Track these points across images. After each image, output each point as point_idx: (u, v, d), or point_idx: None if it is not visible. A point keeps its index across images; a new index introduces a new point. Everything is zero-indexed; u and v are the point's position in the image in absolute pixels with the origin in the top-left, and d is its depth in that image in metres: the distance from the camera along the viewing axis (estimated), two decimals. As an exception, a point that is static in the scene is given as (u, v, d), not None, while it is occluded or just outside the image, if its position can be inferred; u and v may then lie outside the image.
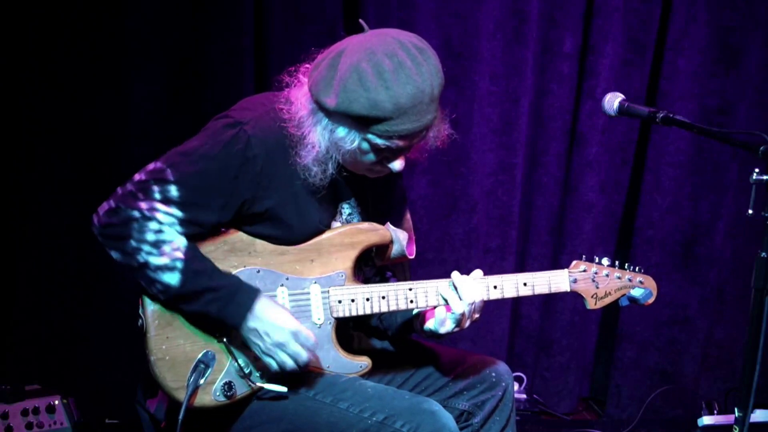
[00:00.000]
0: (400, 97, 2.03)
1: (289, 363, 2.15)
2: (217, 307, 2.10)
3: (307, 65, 2.19)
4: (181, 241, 2.10)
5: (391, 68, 2.03)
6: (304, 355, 2.15)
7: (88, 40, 3.38)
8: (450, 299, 2.24)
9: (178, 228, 2.10)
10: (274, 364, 2.15)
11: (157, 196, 2.08)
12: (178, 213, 2.09)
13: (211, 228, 2.17)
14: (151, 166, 2.12)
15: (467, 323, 2.26)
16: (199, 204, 2.11)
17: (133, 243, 2.07)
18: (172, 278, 2.08)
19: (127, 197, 2.09)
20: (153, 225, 2.07)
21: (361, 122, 2.08)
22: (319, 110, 2.12)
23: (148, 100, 3.44)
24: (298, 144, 2.14)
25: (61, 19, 3.34)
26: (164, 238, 2.08)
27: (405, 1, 3.65)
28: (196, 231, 2.14)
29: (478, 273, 2.29)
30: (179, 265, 2.07)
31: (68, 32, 3.36)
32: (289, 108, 2.16)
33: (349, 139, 2.11)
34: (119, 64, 3.41)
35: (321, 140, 2.12)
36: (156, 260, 2.07)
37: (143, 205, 2.07)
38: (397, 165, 2.18)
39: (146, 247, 2.07)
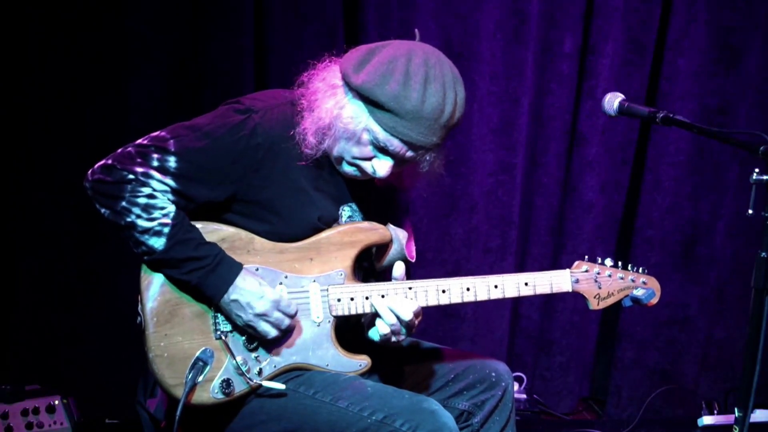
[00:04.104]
0: (423, 104, 2.06)
1: (272, 332, 2.17)
2: (198, 276, 2.12)
3: (339, 57, 2.21)
4: (171, 208, 2.12)
5: (425, 75, 2.07)
6: (286, 322, 2.18)
7: (88, 40, 3.38)
8: (382, 314, 2.21)
9: (170, 197, 2.13)
10: (255, 335, 2.18)
11: (155, 163, 2.11)
12: (172, 183, 2.12)
13: (202, 204, 2.19)
14: (155, 133, 2.16)
15: (404, 336, 2.24)
16: (193, 179, 2.14)
17: (124, 203, 2.09)
18: (157, 242, 2.10)
19: (126, 158, 2.11)
20: (146, 190, 2.10)
21: (374, 108, 2.10)
22: (341, 85, 2.14)
23: (148, 100, 3.45)
24: (305, 110, 2.16)
25: (61, 19, 3.35)
26: (155, 203, 2.10)
27: (405, 2, 3.65)
28: (187, 204, 2.17)
29: (400, 268, 2.27)
30: (166, 230, 2.10)
31: (68, 32, 3.36)
32: (309, 82, 2.19)
33: (355, 120, 2.12)
34: (119, 64, 3.41)
35: (328, 112, 2.14)
36: (144, 223, 2.09)
37: (139, 169, 2.10)
38: (383, 170, 2.17)
39: (136, 210, 2.09)
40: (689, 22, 3.81)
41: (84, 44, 3.38)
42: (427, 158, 2.20)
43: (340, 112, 2.13)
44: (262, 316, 2.15)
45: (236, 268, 2.16)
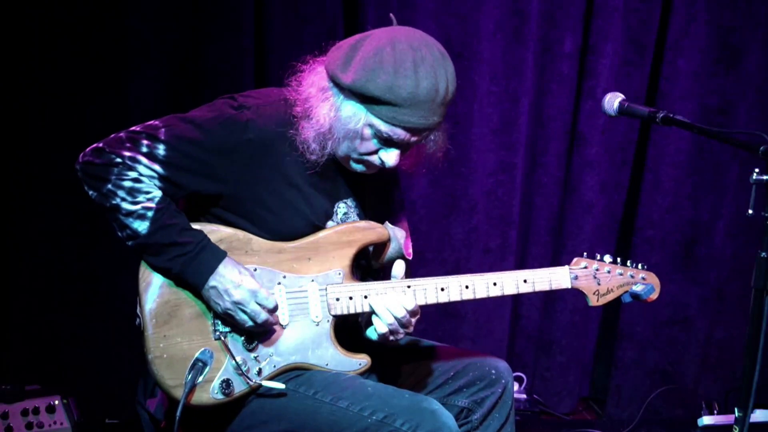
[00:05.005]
0: (417, 88, 2.07)
1: (249, 322, 2.17)
2: (181, 263, 2.13)
3: (322, 57, 2.21)
4: (157, 193, 2.14)
5: (413, 59, 2.08)
6: (263, 315, 2.17)
7: (89, 40, 3.38)
8: (380, 313, 2.21)
9: (158, 183, 2.15)
10: (235, 323, 2.18)
11: (144, 149, 2.13)
12: (160, 170, 2.14)
13: (192, 195, 2.20)
14: (149, 122, 2.18)
15: (402, 334, 2.24)
16: (182, 168, 2.15)
17: (110, 186, 2.11)
18: (141, 226, 2.11)
19: (116, 142, 2.14)
20: (132, 174, 2.12)
21: (371, 103, 2.10)
22: (331, 87, 2.15)
23: (149, 100, 3.45)
24: (301, 119, 2.17)
25: (62, 19, 3.35)
26: (141, 187, 2.12)
27: (405, 1, 3.66)
28: (176, 192, 2.18)
29: (399, 267, 2.28)
30: (149, 214, 2.11)
31: (68, 32, 3.36)
32: (298, 87, 2.20)
33: (354, 119, 2.13)
34: (119, 64, 3.41)
35: (326, 117, 2.14)
36: (128, 206, 2.11)
37: (127, 153, 2.12)
38: (391, 159, 2.18)
39: (121, 193, 2.11)
40: (689, 22, 3.80)
41: (84, 44, 3.38)
42: (432, 138, 2.22)
43: (337, 114, 2.14)
44: (238, 304, 2.15)
45: (220, 255, 2.16)
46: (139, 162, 2.12)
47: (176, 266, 2.14)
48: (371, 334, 2.26)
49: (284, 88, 2.24)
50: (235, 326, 2.20)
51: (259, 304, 2.17)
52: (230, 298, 2.15)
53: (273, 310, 2.20)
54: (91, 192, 2.16)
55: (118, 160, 2.12)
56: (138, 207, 2.11)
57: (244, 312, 2.16)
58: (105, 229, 2.26)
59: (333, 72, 2.14)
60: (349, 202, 2.35)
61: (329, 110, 2.14)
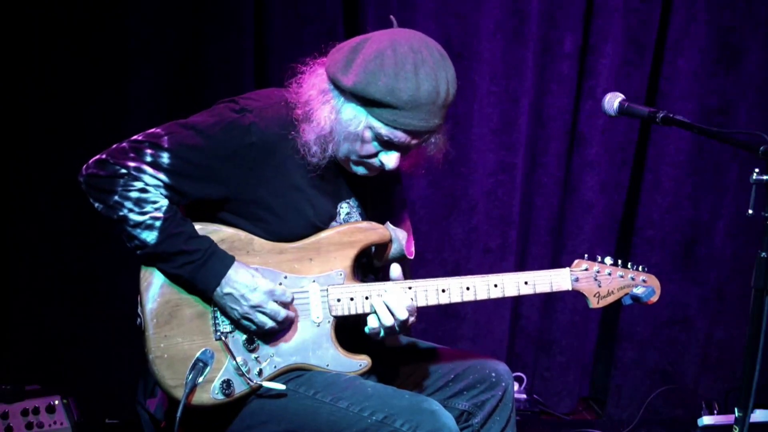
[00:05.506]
0: (418, 91, 2.07)
1: (269, 323, 2.17)
2: (190, 270, 2.13)
3: (323, 59, 2.21)
4: (164, 202, 2.14)
5: (413, 61, 2.07)
6: (282, 313, 2.18)
7: (89, 41, 3.38)
8: (380, 312, 2.22)
9: (163, 191, 2.14)
10: (253, 327, 2.18)
11: (148, 159, 2.12)
12: (165, 179, 2.13)
13: (197, 200, 2.19)
14: (151, 130, 2.17)
15: (399, 334, 2.25)
16: (186, 175, 2.15)
17: (116, 198, 2.11)
18: (149, 236, 2.11)
19: (119, 153, 2.13)
20: (138, 184, 2.11)
21: (371, 106, 2.10)
22: (331, 89, 2.15)
23: (148, 101, 3.45)
24: (302, 121, 2.16)
25: (62, 19, 3.35)
26: (147, 197, 2.12)
27: (405, 2, 3.66)
28: (181, 200, 2.18)
29: (397, 269, 2.28)
30: (157, 224, 2.11)
31: (68, 32, 3.36)
32: (298, 89, 2.19)
33: (355, 121, 2.13)
34: (119, 64, 3.41)
35: (326, 119, 2.14)
36: (135, 217, 2.11)
37: (132, 163, 2.11)
38: (391, 162, 2.18)
39: (128, 204, 2.11)
40: (689, 22, 3.81)
41: (84, 44, 3.38)
42: (433, 140, 2.22)
43: (338, 116, 2.14)
44: (257, 307, 2.15)
45: (228, 260, 2.16)
46: (144, 172, 2.11)
47: (185, 273, 2.14)
48: (365, 329, 2.26)
49: (284, 90, 2.24)
50: (247, 329, 2.19)
51: (277, 302, 2.17)
52: (247, 303, 2.15)
53: (290, 303, 2.20)
54: (97, 204, 2.14)
55: (123, 171, 2.11)
56: (146, 217, 2.11)
57: (264, 314, 2.16)
58: (105, 230, 2.26)
59: (333, 74, 2.14)
60: (351, 202, 2.35)
61: (330, 113, 2.14)
